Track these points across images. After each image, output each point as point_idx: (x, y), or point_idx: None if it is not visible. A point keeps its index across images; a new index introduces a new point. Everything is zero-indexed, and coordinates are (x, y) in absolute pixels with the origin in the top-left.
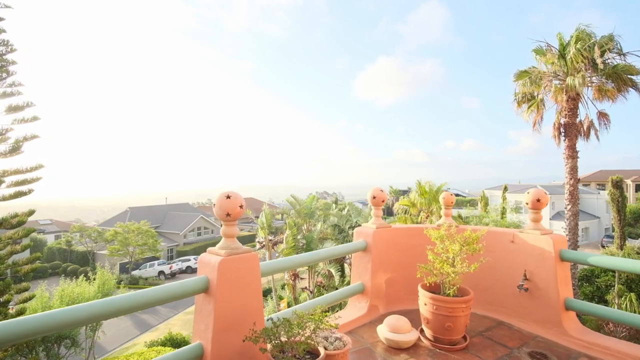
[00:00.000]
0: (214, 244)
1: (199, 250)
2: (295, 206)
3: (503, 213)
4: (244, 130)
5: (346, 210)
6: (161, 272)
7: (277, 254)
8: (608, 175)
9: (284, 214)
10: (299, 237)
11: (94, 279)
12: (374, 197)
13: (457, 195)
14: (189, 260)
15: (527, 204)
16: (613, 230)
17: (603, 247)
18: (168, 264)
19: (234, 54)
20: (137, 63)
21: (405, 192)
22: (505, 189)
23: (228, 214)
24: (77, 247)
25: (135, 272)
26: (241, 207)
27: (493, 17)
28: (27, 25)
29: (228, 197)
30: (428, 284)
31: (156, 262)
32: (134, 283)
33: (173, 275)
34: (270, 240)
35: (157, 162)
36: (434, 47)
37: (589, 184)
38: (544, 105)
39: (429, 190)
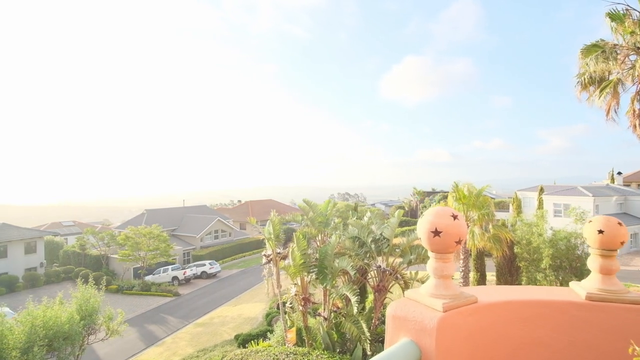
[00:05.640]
0: (230, 248)
1: (214, 254)
2: (308, 213)
3: (541, 216)
4: (267, 132)
5: (366, 217)
6: (175, 278)
7: (283, 273)
8: None
9: (294, 221)
10: (310, 250)
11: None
12: (436, 232)
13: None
14: (203, 265)
15: None
16: None
17: None
18: (182, 269)
19: (257, 56)
20: (162, 66)
21: (430, 194)
22: (542, 190)
23: None
24: (91, 250)
25: (149, 278)
26: None
27: (525, 14)
28: (58, 29)
29: None
30: None
31: (170, 267)
32: (146, 289)
33: (187, 281)
34: (279, 253)
35: (189, 163)
36: (465, 45)
37: (630, 185)
38: (622, 85)
39: (467, 194)
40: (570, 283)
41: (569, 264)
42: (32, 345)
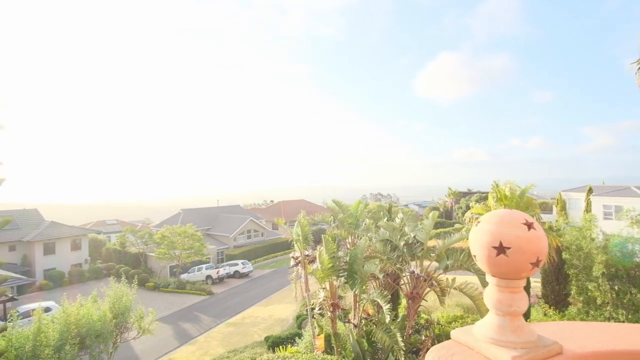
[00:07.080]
0: (263, 248)
1: (247, 254)
2: (337, 214)
3: (590, 220)
4: (301, 132)
5: (399, 218)
6: (209, 277)
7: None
8: None
9: (324, 222)
10: (340, 253)
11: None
12: (500, 248)
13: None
14: (236, 264)
15: None
16: None
17: None
18: (215, 268)
19: (289, 57)
20: (196, 68)
21: (465, 194)
22: (590, 190)
23: None
24: (130, 248)
25: (184, 276)
26: None
27: (567, 5)
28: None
29: None
30: None
31: (204, 265)
32: (182, 287)
33: (220, 280)
34: (307, 255)
35: (227, 163)
36: (503, 39)
37: None
38: None
39: (510, 195)
40: None
41: (625, 273)
42: (65, 343)
